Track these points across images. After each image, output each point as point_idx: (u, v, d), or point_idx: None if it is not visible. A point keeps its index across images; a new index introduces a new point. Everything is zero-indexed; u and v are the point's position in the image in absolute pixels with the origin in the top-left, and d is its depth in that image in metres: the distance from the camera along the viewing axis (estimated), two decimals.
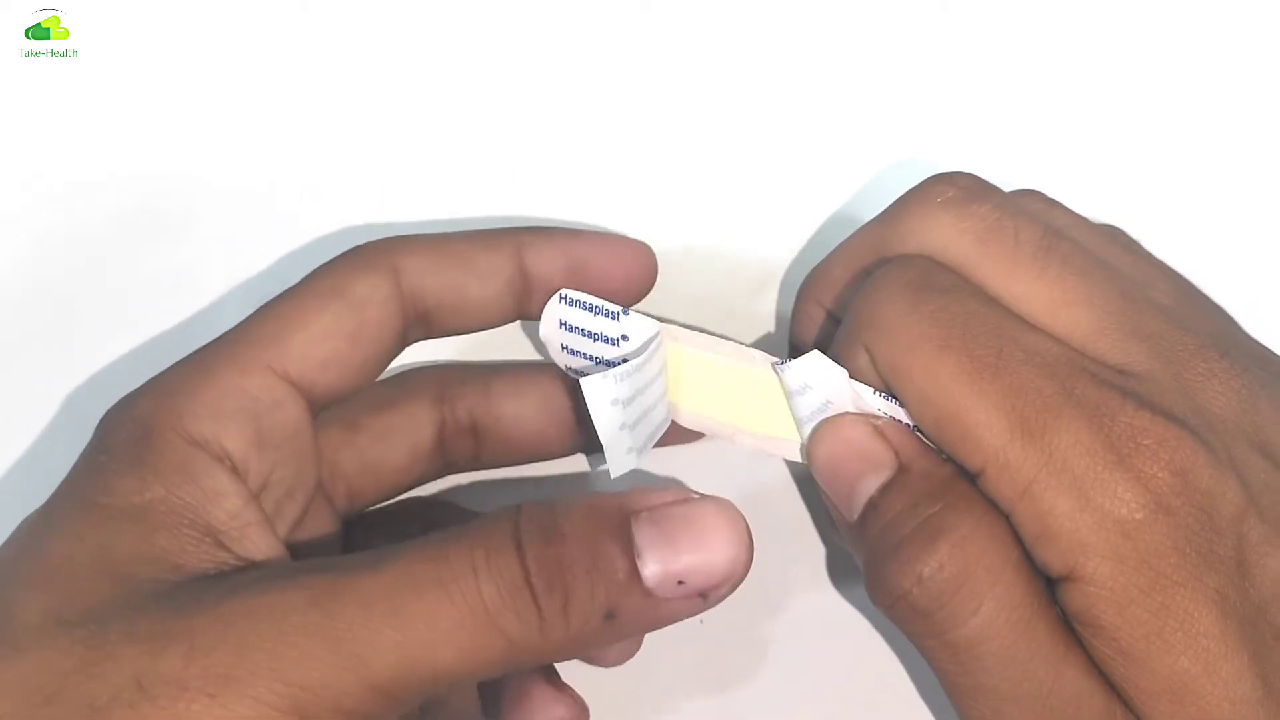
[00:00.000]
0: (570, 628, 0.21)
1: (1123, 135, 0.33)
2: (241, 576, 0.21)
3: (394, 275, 0.25)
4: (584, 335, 0.26)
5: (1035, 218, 0.25)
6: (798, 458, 0.26)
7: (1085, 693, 0.22)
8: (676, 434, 0.27)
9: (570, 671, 0.28)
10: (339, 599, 0.20)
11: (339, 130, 0.33)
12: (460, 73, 0.33)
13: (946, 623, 0.22)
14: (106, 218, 0.32)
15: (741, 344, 0.27)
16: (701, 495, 0.22)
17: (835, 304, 0.27)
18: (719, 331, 0.31)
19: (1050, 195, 0.27)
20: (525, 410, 0.28)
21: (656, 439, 0.27)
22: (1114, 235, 0.26)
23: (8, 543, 0.22)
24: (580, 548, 0.21)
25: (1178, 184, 0.32)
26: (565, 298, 0.26)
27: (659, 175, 0.32)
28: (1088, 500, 0.21)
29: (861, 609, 0.29)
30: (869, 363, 0.24)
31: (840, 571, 0.30)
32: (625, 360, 0.26)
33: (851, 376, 0.25)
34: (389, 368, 0.26)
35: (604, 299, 0.26)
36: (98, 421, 0.23)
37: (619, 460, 0.26)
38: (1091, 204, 0.27)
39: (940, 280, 0.24)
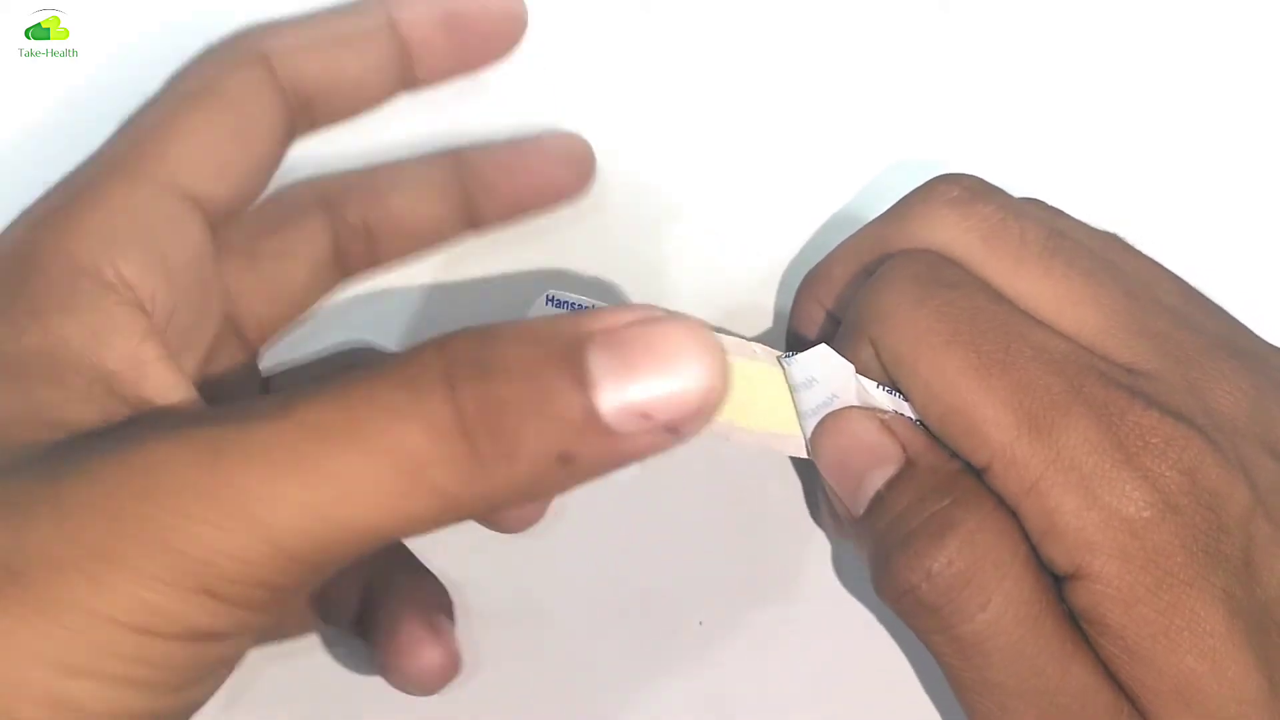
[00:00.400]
0: (516, 475, 0.17)
1: (1123, 135, 0.33)
2: (124, 430, 0.18)
3: (266, 64, 0.23)
4: None
5: (1039, 219, 0.25)
6: (800, 453, 0.26)
7: (1092, 690, 0.22)
8: None
9: (562, 669, 0.28)
10: (234, 454, 0.17)
11: (339, 128, 0.32)
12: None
13: (954, 617, 0.22)
14: None
15: (743, 338, 0.27)
16: (667, 312, 0.18)
17: (835, 303, 0.27)
18: (718, 331, 0.31)
19: (1052, 204, 0.27)
20: (415, 199, 0.27)
21: None
22: (1115, 240, 0.26)
23: None
24: (525, 381, 0.17)
25: (1178, 185, 0.32)
26: (552, 299, 0.25)
27: (659, 174, 0.32)
28: (1095, 498, 0.21)
29: (862, 606, 0.29)
30: (873, 356, 0.24)
31: (841, 569, 0.30)
32: None
33: (861, 370, 0.25)
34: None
35: (472, 61, 0.26)
36: None
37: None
38: (1091, 204, 0.27)
39: (947, 275, 0.24)
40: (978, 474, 0.23)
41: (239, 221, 0.24)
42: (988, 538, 0.22)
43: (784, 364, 0.26)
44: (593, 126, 0.33)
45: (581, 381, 0.17)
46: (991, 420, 0.22)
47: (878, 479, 0.24)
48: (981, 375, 0.22)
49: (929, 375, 0.23)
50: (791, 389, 0.26)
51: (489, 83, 0.33)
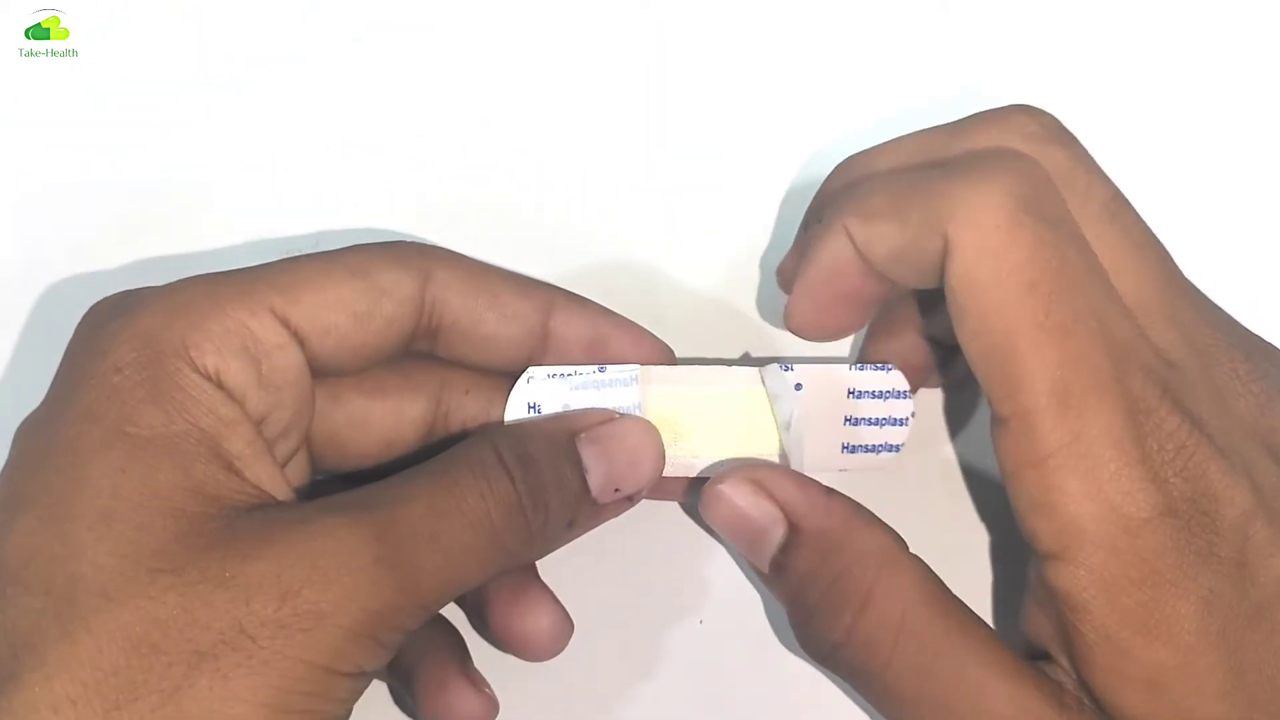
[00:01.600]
0: (547, 538, 0.24)
1: (1121, 133, 0.33)
2: (293, 512, 0.22)
3: (422, 280, 0.25)
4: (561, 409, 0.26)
5: (1106, 181, 0.25)
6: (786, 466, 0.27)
7: (1010, 714, 0.23)
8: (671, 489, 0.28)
9: (564, 669, 0.28)
10: (395, 533, 0.22)
11: (339, 129, 0.33)
12: (460, 71, 0.33)
13: (865, 676, 0.24)
14: (106, 218, 0.32)
15: (724, 364, 0.27)
16: (622, 414, 0.26)
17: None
18: (722, 330, 0.31)
19: None
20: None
21: None
22: None
23: (26, 464, 0.22)
24: (549, 471, 0.24)
25: (1174, 183, 0.32)
26: (532, 377, 0.26)
27: (659, 174, 0.32)
28: (1100, 490, 0.22)
29: None
30: (939, 250, 0.23)
31: None
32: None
33: (911, 247, 0.23)
34: None
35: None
36: (88, 314, 0.24)
37: None
38: None
39: (1052, 207, 0.23)
40: (868, 511, 0.25)
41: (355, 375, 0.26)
42: (877, 605, 0.23)
43: (764, 376, 0.26)
44: (594, 125, 0.33)
45: (579, 468, 0.25)
46: (1028, 380, 0.22)
47: (770, 545, 0.25)
48: (1039, 334, 0.22)
49: (991, 312, 0.22)
50: (770, 400, 0.26)
51: (492, 82, 0.33)
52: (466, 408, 0.27)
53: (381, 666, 0.22)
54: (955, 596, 0.24)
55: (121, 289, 0.31)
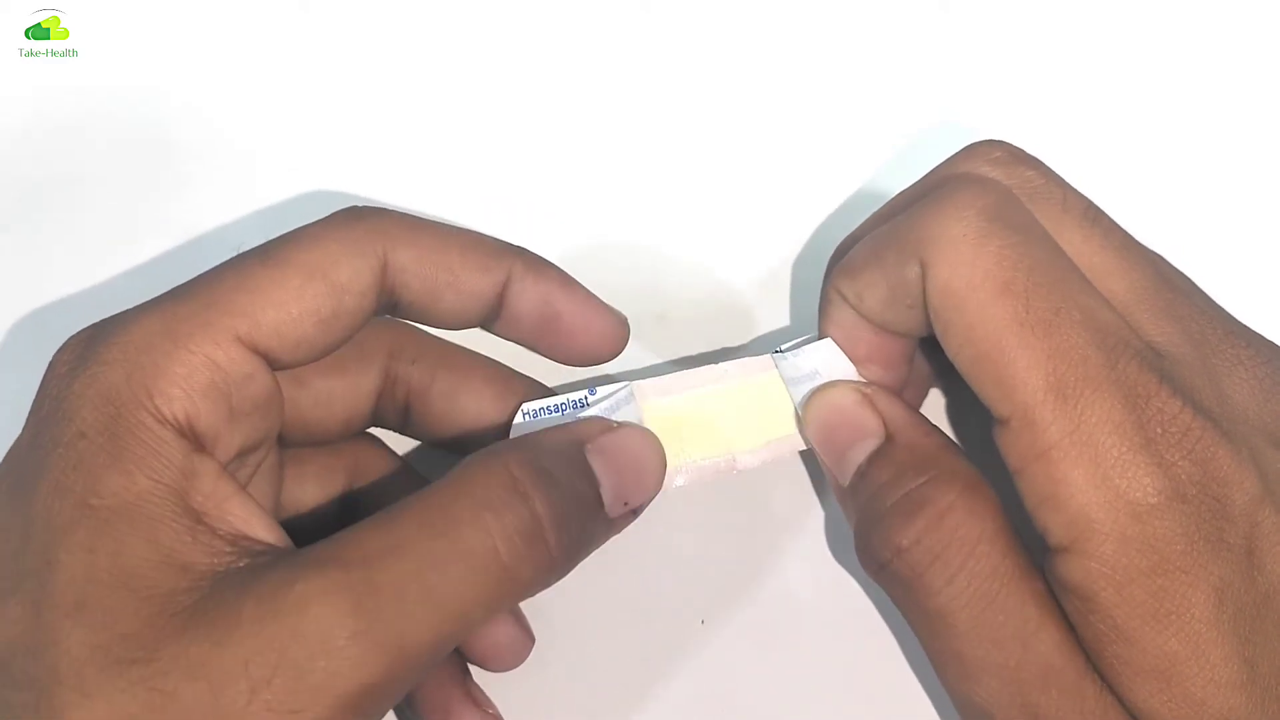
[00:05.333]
0: (569, 561, 0.23)
1: (1121, 134, 0.33)
2: (268, 575, 0.21)
3: (380, 263, 0.24)
4: None
5: (1079, 192, 0.25)
6: (803, 446, 0.26)
7: (1055, 668, 0.22)
8: None
9: (567, 669, 0.28)
10: (376, 595, 0.20)
11: (340, 131, 0.33)
12: (460, 72, 0.33)
13: (921, 592, 0.23)
14: (106, 218, 0.32)
15: (710, 364, 0.27)
16: (619, 423, 0.25)
17: None
18: (726, 327, 0.31)
19: None
20: (457, 417, 0.27)
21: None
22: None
23: (6, 540, 0.21)
24: (571, 490, 0.23)
25: (1170, 184, 0.32)
26: (528, 413, 0.26)
27: (658, 176, 0.32)
28: (1105, 478, 0.22)
29: (862, 607, 0.29)
30: (918, 277, 0.24)
31: (842, 569, 0.30)
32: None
33: (895, 285, 0.24)
34: None
35: (571, 360, 0.26)
36: (54, 362, 0.23)
37: None
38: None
39: (1015, 215, 0.23)
40: (960, 447, 0.24)
41: None
42: (956, 517, 0.23)
43: (777, 361, 0.26)
44: (595, 125, 0.33)
45: (595, 485, 0.23)
46: (1021, 379, 0.22)
47: (860, 453, 0.25)
48: (1024, 332, 0.22)
49: (974, 319, 0.23)
50: (786, 384, 0.26)
51: (494, 83, 0.33)
52: (413, 376, 0.27)
53: None
54: (1021, 540, 0.23)
55: (120, 290, 0.31)
